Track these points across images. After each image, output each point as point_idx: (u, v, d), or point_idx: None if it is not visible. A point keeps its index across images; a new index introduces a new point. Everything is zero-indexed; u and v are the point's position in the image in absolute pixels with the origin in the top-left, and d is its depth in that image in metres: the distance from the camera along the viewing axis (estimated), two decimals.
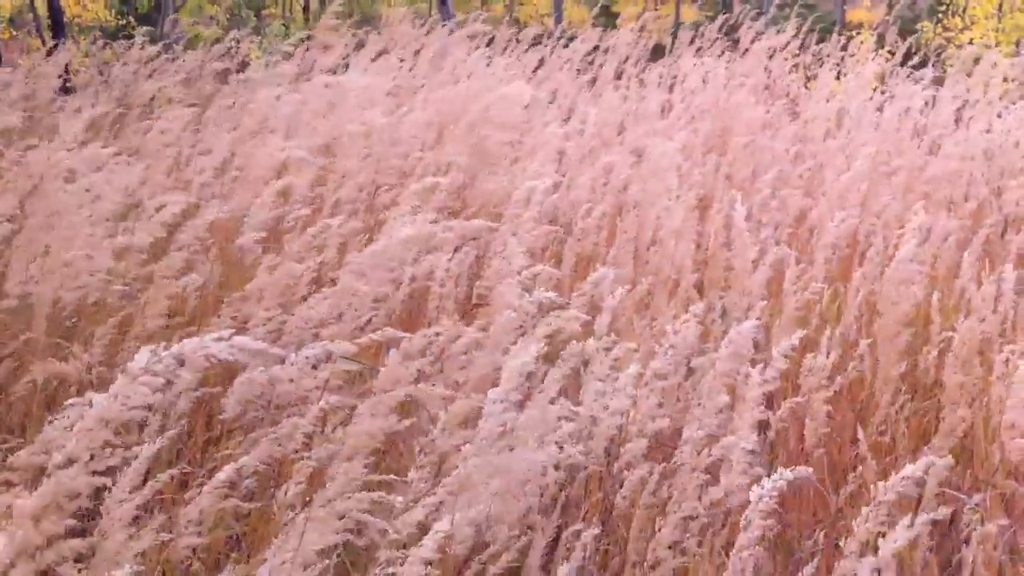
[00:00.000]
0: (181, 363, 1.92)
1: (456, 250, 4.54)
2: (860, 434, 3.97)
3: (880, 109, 8.47)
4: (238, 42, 11.31)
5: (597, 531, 3.08)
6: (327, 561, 2.42)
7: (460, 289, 4.49)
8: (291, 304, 4.07)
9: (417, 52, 9.92)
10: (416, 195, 4.61)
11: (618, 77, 10.59)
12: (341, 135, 6.04)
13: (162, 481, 2.72)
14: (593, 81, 10.52)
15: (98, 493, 2.71)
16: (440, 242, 4.20)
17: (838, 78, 10.21)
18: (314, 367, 3.12)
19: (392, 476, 2.82)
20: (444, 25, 11.98)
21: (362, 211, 5.41)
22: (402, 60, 9.63)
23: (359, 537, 2.59)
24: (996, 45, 15.57)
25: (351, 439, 2.67)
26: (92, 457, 1.99)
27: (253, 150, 5.48)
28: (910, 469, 2.43)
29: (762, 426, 3.66)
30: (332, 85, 6.76)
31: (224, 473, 2.78)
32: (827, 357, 4.06)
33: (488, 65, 9.37)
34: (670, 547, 2.96)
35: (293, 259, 4.26)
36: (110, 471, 2.04)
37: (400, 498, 2.68)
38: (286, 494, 2.54)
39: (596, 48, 11.19)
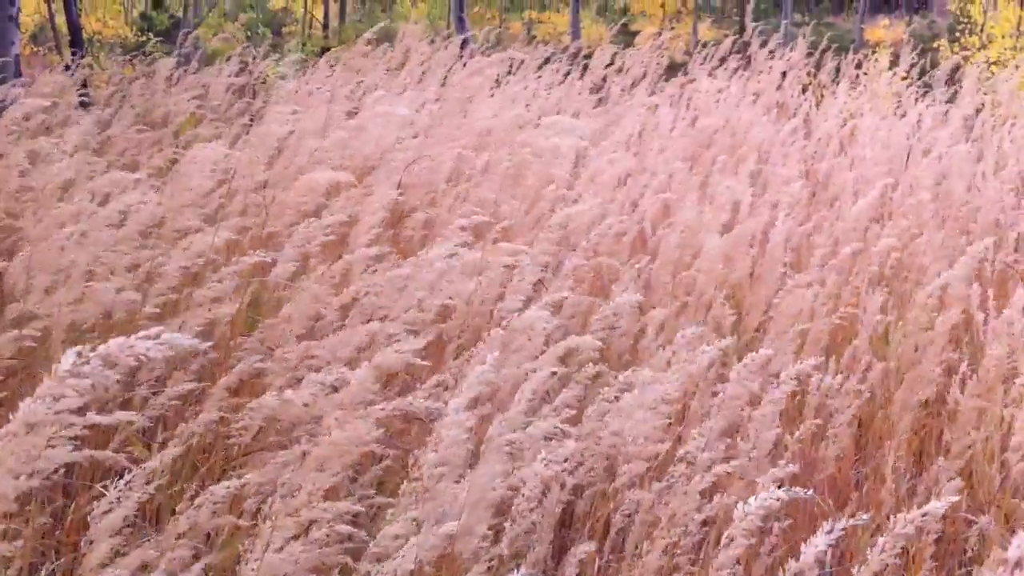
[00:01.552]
0: (110, 365, 1.86)
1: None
2: (889, 456, 3.95)
3: (892, 128, 8.47)
4: (254, 58, 11.37)
5: (592, 547, 3.07)
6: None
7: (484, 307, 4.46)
8: (320, 329, 4.06)
9: (423, 74, 9.96)
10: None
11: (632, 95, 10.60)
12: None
13: (149, 494, 2.72)
14: (606, 99, 10.54)
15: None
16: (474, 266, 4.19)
17: (853, 97, 10.20)
18: (336, 390, 3.13)
19: (371, 492, 2.82)
20: (461, 41, 12.02)
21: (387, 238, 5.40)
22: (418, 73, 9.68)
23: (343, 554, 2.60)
24: (1016, 66, 15.50)
25: (319, 450, 2.68)
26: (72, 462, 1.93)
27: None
28: (932, 505, 2.40)
29: (775, 446, 3.64)
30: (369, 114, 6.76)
31: (222, 489, 2.78)
32: (850, 380, 4.06)
33: (503, 83, 9.40)
34: (657, 572, 2.95)
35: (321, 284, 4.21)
36: (36, 475, 2.00)
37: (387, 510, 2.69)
38: (271, 507, 2.55)
39: (611, 65, 11.22)
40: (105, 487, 2.86)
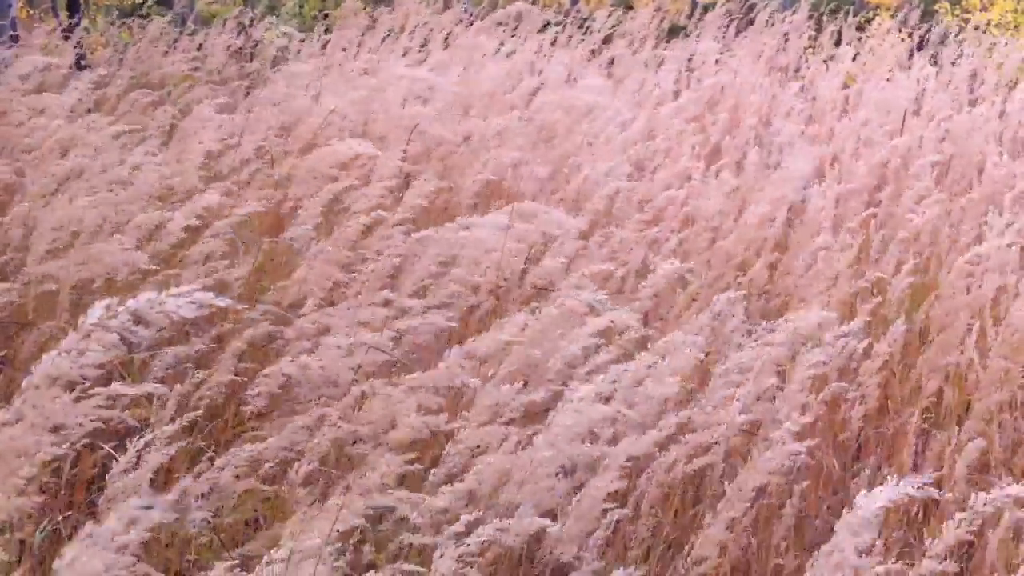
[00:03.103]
0: (138, 320, 1.79)
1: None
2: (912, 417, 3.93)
3: (895, 91, 8.42)
4: (251, 21, 11.29)
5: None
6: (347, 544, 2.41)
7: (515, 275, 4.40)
8: (339, 296, 4.01)
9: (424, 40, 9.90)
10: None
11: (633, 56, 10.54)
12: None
13: (169, 455, 2.71)
14: (609, 62, 10.47)
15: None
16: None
17: (854, 59, 10.16)
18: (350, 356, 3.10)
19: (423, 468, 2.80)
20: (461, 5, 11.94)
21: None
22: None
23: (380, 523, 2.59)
24: (1015, 27, 15.41)
25: (393, 434, 2.66)
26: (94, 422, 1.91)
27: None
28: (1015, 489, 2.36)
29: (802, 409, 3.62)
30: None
31: (246, 452, 2.77)
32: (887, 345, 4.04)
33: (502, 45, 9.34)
34: (718, 544, 2.93)
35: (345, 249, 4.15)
36: (57, 429, 1.97)
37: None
38: (297, 472, 2.54)
39: (612, 28, 11.15)
40: (117, 448, 2.84)
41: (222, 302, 1.86)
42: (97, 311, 1.83)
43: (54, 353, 1.87)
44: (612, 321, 3.16)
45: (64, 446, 2.00)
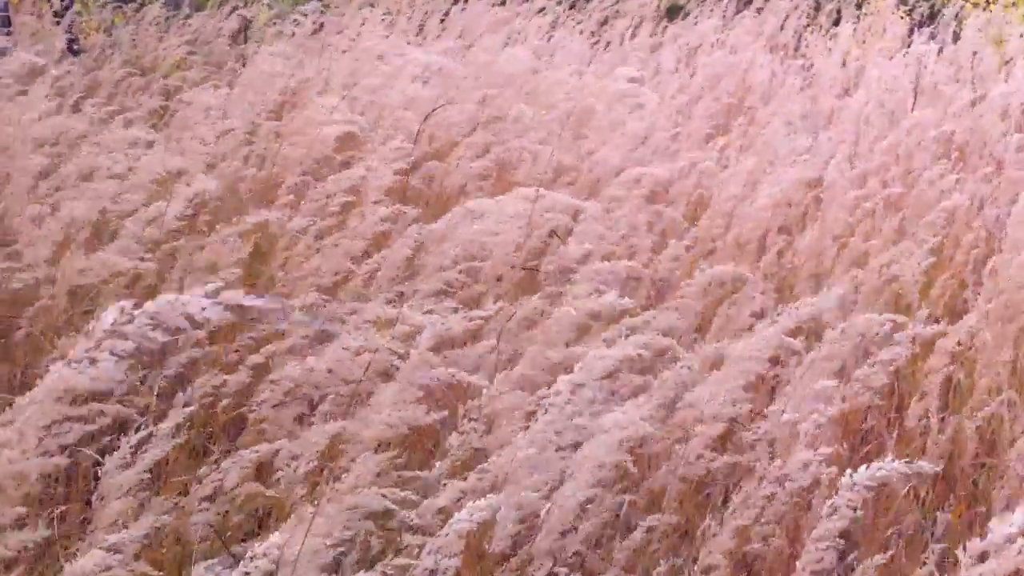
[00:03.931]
0: (157, 325, 1.60)
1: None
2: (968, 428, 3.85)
3: (897, 70, 8.36)
4: (246, 3, 11.19)
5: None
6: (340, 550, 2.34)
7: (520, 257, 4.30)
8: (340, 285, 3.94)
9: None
10: None
11: (632, 38, 10.47)
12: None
13: (167, 452, 2.61)
14: (607, 45, 10.39)
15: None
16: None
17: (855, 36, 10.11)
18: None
19: (414, 472, 2.74)
20: None
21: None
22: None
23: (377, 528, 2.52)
24: (1013, 4, 15.33)
25: (369, 430, 2.58)
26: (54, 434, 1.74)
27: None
28: None
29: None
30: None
31: (253, 453, 2.68)
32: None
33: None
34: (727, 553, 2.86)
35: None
36: (69, 450, 1.83)
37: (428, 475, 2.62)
38: (295, 471, 2.46)
39: (611, 6, 11.07)
40: (115, 439, 2.75)
41: (251, 302, 1.72)
42: (110, 315, 1.63)
43: (60, 364, 1.66)
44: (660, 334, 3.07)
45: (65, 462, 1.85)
